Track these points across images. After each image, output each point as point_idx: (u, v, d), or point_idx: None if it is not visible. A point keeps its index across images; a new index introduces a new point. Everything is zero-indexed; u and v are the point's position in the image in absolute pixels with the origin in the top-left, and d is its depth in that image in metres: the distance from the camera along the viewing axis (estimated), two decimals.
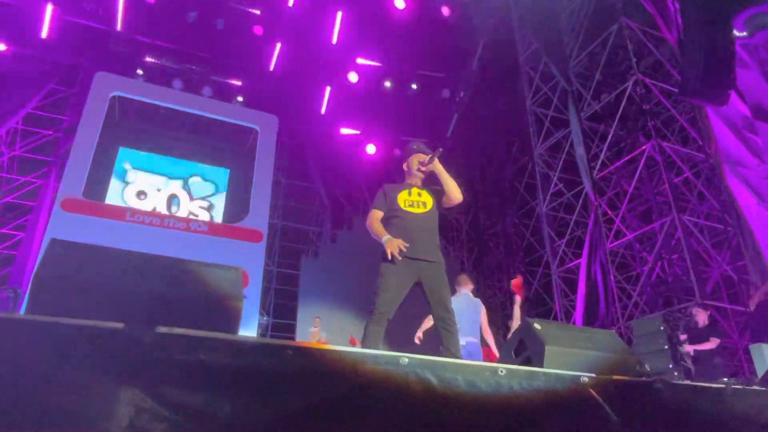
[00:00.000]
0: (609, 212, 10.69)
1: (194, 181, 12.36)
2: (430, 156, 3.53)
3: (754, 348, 6.56)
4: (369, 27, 13.04)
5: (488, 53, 13.72)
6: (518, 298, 6.95)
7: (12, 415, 1.41)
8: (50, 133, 11.90)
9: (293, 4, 12.45)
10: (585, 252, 10.14)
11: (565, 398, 2.13)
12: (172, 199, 11.82)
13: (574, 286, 10.97)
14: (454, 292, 5.43)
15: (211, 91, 12.68)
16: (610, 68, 11.40)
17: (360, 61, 13.53)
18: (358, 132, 14.26)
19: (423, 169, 3.58)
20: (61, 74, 11.84)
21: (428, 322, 5.42)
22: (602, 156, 10.87)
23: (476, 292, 6.14)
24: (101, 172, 11.20)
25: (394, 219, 3.45)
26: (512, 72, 13.33)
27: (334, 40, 12.99)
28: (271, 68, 13.14)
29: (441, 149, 3.66)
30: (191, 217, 11.61)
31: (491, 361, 5.30)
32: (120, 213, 10.69)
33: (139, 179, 11.76)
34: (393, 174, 12.26)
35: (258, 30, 12.58)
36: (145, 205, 11.40)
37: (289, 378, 1.73)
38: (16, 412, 1.42)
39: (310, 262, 13.01)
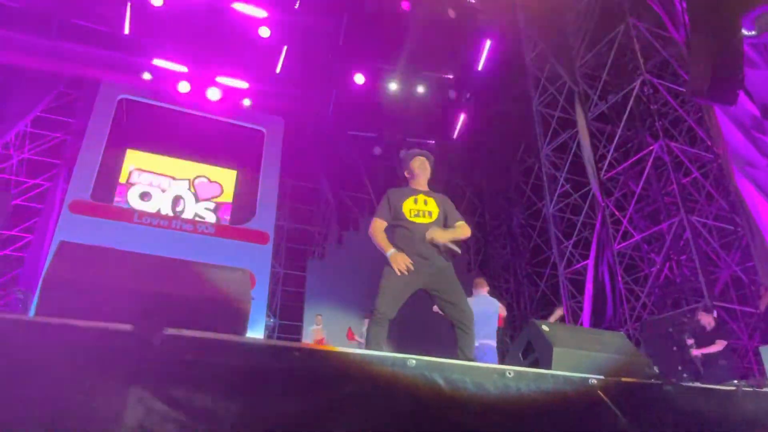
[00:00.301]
0: (616, 213, 10.64)
1: (200, 182, 12.41)
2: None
3: (764, 350, 6.52)
4: (375, 29, 13.05)
5: (495, 54, 13.70)
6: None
7: (22, 416, 1.42)
8: (58, 135, 11.98)
9: (299, 6, 12.48)
10: (592, 253, 10.10)
11: (573, 400, 2.12)
12: (177, 200, 11.86)
13: (581, 287, 10.92)
14: (470, 294, 5.49)
15: (218, 93, 12.73)
16: (617, 68, 11.36)
17: (366, 62, 13.54)
18: (364, 134, 14.27)
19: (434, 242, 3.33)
20: (70, 77, 11.92)
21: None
22: (609, 156, 10.82)
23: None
24: (109, 173, 11.26)
25: (399, 230, 3.39)
26: (519, 73, 13.31)
27: (341, 41, 13.02)
28: (278, 70, 13.17)
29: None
30: (197, 219, 11.65)
31: None
32: (127, 215, 10.74)
33: (143, 180, 11.81)
34: (399, 175, 12.25)
35: (264, 32, 12.62)
36: (149, 207, 11.45)
37: (297, 380, 1.73)
38: (26, 413, 1.43)
39: (316, 263, 13.02)
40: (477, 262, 16.09)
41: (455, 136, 14.71)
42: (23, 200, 11.49)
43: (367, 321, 8.60)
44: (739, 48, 6.45)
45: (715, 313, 7.16)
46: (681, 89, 10.05)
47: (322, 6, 12.58)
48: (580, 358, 2.59)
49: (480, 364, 2.18)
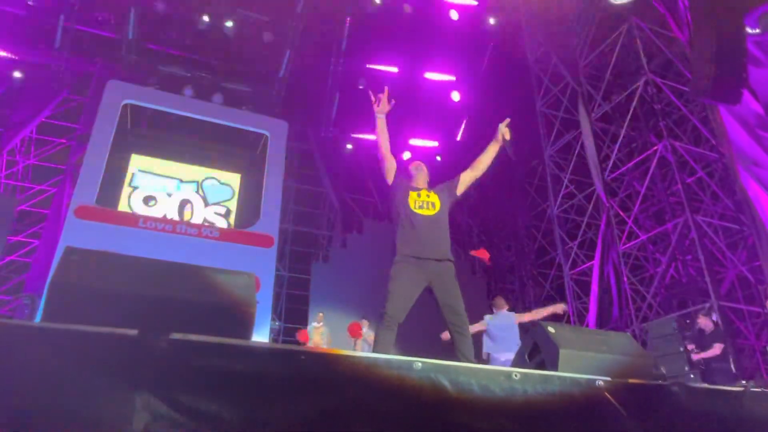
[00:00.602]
0: (621, 213, 10.61)
1: (208, 185, 12.45)
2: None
3: None
4: (378, 32, 13.07)
5: (497, 56, 13.70)
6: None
7: (28, 420, 1.43)
8: (63, 141, 12.04)
9: (302, 10, 12.51)
10: (597, 254, 10.07)
11: (580, 402, 2.11)
12: (184, 204, 11.89)
13: (586, 288, 10.89)
14: (491, 312, 5.81)
15: (221, 98, 12.77)
16: (621, 68, 11.33)
17: (369, 66, 13.57)
18: (368, 137, 14.27)
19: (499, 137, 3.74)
20: (74, 83, 11.99)
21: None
22: (613, 157, 10.79)
23: (488, 296, 6.23)
24: (114, 179, 11.30)
25: (404, 220, 3.48)
26: (522, 74, 13.30)
27: (343, 45, 13.05)
28: (281, 74, 13.22)
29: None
30: (206, 223, 11.68)
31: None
32: (133, 219, 10.78)
33: (149, 184, 11.85)
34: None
35: (267, 36, 12.66)
36: (154, 211, 11.48)
37: (303, 383, 1.73)
38: (33, 418, 1.43)
39: (320, 266, 13.02)
40: (481, 263, 16.06)
41: (458, 137, 14.71)
42: (29, 206, 11.55)
43: (365, 321, 8.60)
44: (743, 46, 6.42)
45: (714, 317, 7.14)
46: (685, 88, 10.00)
47: (325, 9, 12.58)
48: (586, 360, 2.58)
49: (486, 366, 2.17)
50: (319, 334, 9.03)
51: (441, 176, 3.96)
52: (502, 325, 5.52)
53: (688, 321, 7.75)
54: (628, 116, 10.56)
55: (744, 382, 2.85)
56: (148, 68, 12.35)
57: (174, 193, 11.95)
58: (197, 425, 1.53)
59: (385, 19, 12.74)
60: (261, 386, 1.69)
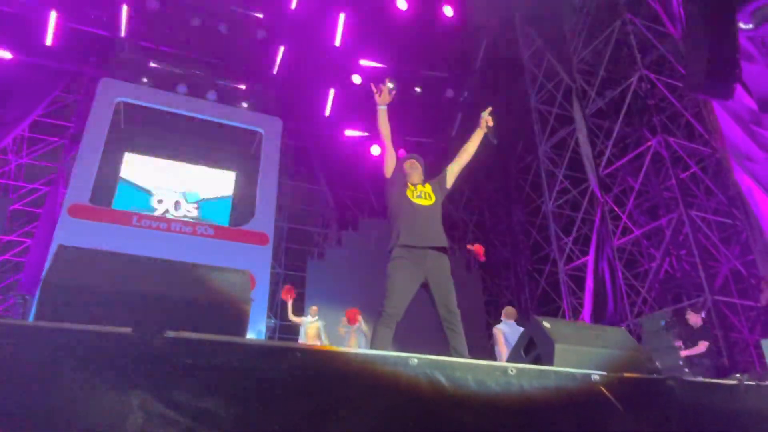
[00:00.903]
0: (615, 209, 10.63)
1: (204, 182, 12.40)
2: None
3: (765, 343, 6.52)
4: (372, 28, 13.04)
5: (491, 52, 13.69)
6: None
7: (22, 421, 1.42)
8: (56, 140, 11.96)
9: (296, 7, 12.47)
10: (592, 249, 10.10)
11: (576, 396, 2.12)
12: (176, 203, 11.85)
13: (581, 283, 10.92)
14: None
15: (215, 95, 12.72)
16: (615, 64, 11.34)
17: (363, 62, 13.53)
18: (362, 133, 14.26)
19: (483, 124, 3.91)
20: (67, 81, 11.90)
21: None
22: (608, 152, 10.81)
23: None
24: (107, 177, 11.25)
25: (403, 209, 3.52)
26: (516, 70, 13.30)
27: (337, 42, 13.00)
28: (275, 71, 13.17)
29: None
30: (200, 221, 11.64)
31: None
32: (126, 218, 10.74)
33: (142, 182, 11.79)
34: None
35: (261, 33, 12.62)
36: (148, 209, 11.43)
37: (298, 380, 1.73)
38: (25, 417, 1.42)
39: (316, 263, 13.00)
40: (476, 260, 16.07)
41: (453, 134, 14.71)
42: (22, 205, 11.48)
43: (344, 319, 8.59)
44: (736, 42, 6.45)
45: (703, 314, 7.17)
46: (678, 84, 10.03)
47: (318, 6, 12.56)
48: (582, 355, 2.59)
49: (482, 362, 2.17)
50: (314, 329, 8.98)
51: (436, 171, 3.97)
52: (513, 332, 5.75)
53: (675, 318, 7.79)
54: (622, 112, 10.58)
55: (738, 375, 2.87)
56: (141, 66, 12.29)
57: (168, 192, 11.91)
58: (192, 423, 1.53)
59: (379, 15, 12.72)
60: (256, 383, 1.68)
